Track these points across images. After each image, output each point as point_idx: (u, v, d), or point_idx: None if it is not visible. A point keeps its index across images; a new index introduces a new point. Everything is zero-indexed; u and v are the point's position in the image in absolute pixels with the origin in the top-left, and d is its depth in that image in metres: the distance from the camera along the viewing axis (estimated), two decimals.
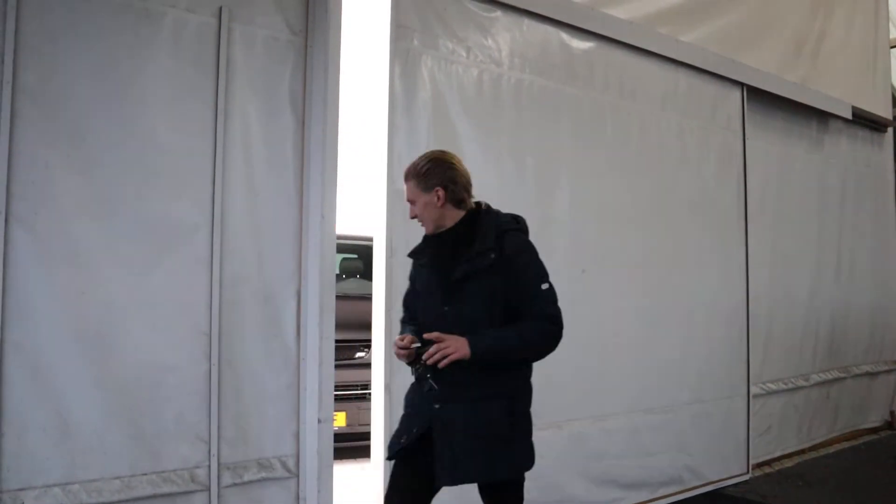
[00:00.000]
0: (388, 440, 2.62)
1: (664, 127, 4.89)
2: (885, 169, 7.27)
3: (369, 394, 5.45)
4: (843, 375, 6.48)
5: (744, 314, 5.35)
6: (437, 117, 3.70)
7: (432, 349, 2.33)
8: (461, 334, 2.35)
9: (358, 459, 5.45)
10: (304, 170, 3.27)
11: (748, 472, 5.29)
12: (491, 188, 3.78)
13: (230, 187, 3.08)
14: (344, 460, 5.37)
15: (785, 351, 5.84)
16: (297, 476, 3.20)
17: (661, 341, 4.72)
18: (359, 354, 5.55)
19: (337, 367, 5.88)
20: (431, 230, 2.57)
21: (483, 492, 2.51)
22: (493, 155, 3.92)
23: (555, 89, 4.24)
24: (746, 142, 5.46)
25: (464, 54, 3.84)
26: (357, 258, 7.25)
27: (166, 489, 2.85)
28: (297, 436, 3.22)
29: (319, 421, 3.21)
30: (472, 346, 2.32)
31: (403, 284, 3.47)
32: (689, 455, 4.84)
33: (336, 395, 5.50)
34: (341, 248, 7.37)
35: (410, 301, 2.76)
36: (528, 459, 2.48)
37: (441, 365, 2.32)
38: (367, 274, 6.93)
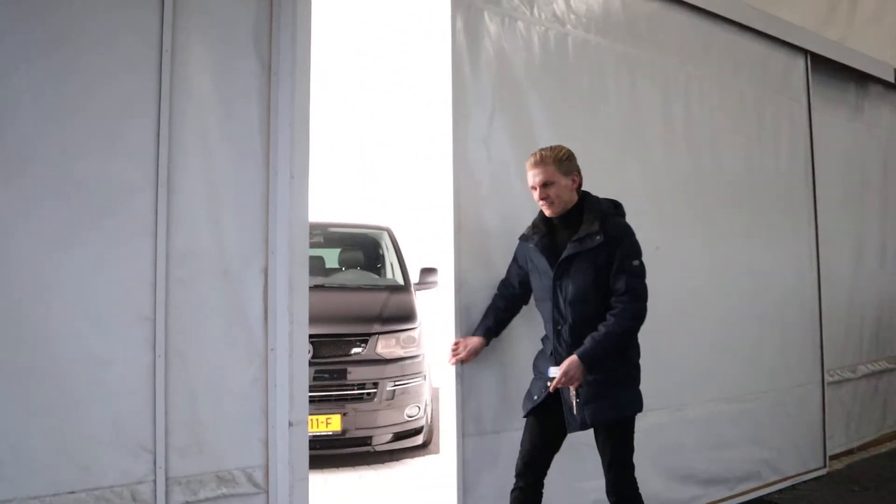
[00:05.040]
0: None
1: (737, 98, 4.68)
2: None
3: (367, 394, 4.98)
4: (891, 367, 5.94)
5: (816, 298, 5.07)
6: (502, 77, 3.46)
7: (560, 382, 2.78)
8: (570, 304, 2.84)
9: (356, 467, 4.97)
10: (269, 122, 2.81)
11: (825, 465, 4.99)
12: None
13: (178, 140, 2.60)
14: (339, 469, 4.90)
15: (841, 338, 5.47)
16: (267, 491, 2.70)
17: (737, 325, 4.48)
18: (355, 350, 5.01)
19: (333, 364, 5.34)
20: (557, 212, 2.90)
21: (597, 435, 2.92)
22: (563, 123, 3.65)
23: (634, 54, 4.06)
24: (812, 113, 5.16)
25: (527, 12, 3.61)
26: (358, 248, 6.79)
27: None
28: (265, 442, 2.72)
29: (291, 424, 2.71)
30: (586, 365, 2.76)
31: (472, 262, 3.27)
32: (767, 449, 4.60)
33: (331, 397, 5.01)
34: (341, 238, 6.93)
35: (514, 277, 3.14)
36: (634, 404, 2.88)
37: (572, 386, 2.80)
38: (367, 265, 6.48)
